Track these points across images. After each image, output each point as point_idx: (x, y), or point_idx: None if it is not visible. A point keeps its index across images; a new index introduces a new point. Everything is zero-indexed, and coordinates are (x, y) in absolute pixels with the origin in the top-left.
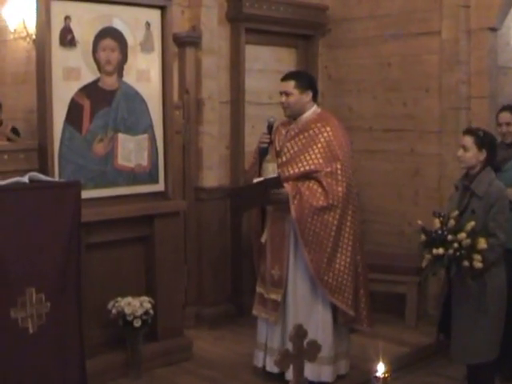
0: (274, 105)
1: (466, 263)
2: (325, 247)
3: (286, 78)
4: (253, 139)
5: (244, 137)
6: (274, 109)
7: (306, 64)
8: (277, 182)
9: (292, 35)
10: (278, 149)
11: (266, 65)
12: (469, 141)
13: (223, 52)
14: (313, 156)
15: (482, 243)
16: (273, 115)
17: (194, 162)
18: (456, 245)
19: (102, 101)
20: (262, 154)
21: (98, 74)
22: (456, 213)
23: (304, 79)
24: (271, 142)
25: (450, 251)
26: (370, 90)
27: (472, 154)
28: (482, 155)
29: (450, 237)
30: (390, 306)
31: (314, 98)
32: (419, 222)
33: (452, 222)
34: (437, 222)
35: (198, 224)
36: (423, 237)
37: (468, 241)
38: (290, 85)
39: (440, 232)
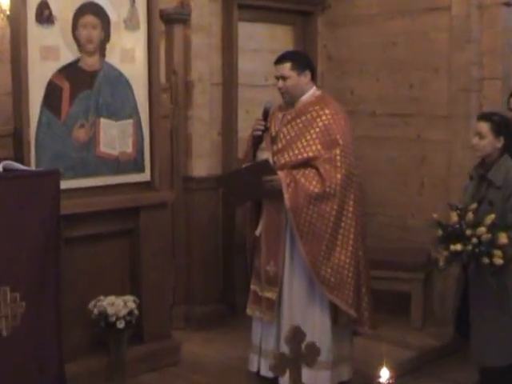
0: (270, 87)
1: (485, 260)
2: (322, 239)
3: (280, 60)
4: (247, 125)
5: (237, 122)
6: (270, 91)
7: (304, 43)
8: (266, 166)
9: (289, 11)
10: (273, 134)
11: (261, 44)
12: (484, 127)
13: (214, 30)
14: (310, 142)
15: (503, 238)
16: (269, 99)
17: (183, 149)
18: (475, 240)
19: (83, 83)
20: (257, 141)
21: (78, 54)
22: (474, 205)
23: (300, 59)
24: (267, 129)
25: (469, 247)
26: (373, 71)
27: (488, 142)
28: (500, 142)
29: (468, 231)
30: (394, 306)
31: (313, 79)
32: (434, 215)
33: (470, 216)
34: (454, 216)
35: (187, 216)
36: (440, 231)
37: (488, 236)
38: (286, 67)
39: (458, 226)
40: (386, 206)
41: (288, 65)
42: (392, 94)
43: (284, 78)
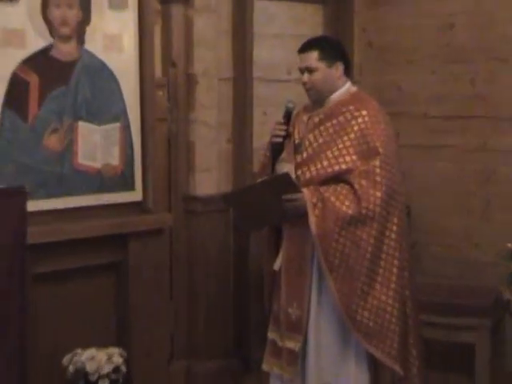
0: (294, 82)
1: None
2: (357, 274)
3: (305, 48)
4: (264, 130)
5: (252, 127)
6: (294, 88)
7: (338, 26)
8: (287, 181)
9: None
10: (297, 142)
11: (283, 28)
12: None
13: (223, 10)
14: (343, 151)
15: None
16: (292, 98)
17: (184, 161)
18: None
19: (56, 77)
20: (277, 151)
21: (49, 40)
22: None
23: (331, 46)
24: (289, 135)
25: None
26: (425, 61)
27: None
28: None
29: None
30: (452, 361)
31: (347, 72)
32: (509, 244)
33: None
34: None
35: (190, 246)
36: None
37: None
38: (313, 57)
39: None
40: (440, 233)
41: (315, 54)
42: (449, 90)
43: (310, 70)
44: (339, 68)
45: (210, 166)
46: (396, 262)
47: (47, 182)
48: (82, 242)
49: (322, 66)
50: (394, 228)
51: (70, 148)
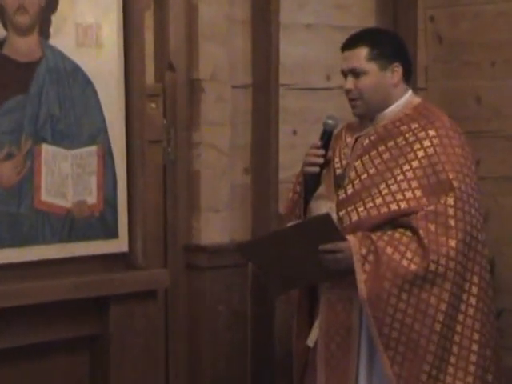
0: (336, 91)
1: None
2: (423, 353)
3: (351, 43)
4: (294, 156)
5: (278, 152)
6: (335, 99)
7: (395, 15)
8: (327, 225)
9: None
10: (338, 172)
11: (320, 16)
12: None
13: None
14: (403, 184)
15: None
16: (333, 113)
17: (185, 198)
18: None
19: (10, 82)
20: (312, 184)
21: (2, 33)
22: None
23: (386, 42)
24: (328, 163)
25: None
26: None
27: None
28: None
29: None
30: None
31: (407, 77)
32: None
33: None
34: None
35: (192, 313)
36: None
37: None
38: (361, 55)
39: None
40: None
41: (364, 52)
42: None
43: (356, 73)
44: (397, 71)
45: (221, 205)
46: (476, 336)
47: None
48: (46, 309)
49: (372, 67)
50: (474, 290)
51: (29, 180)
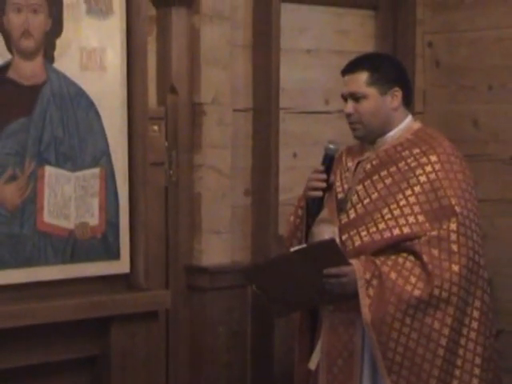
0: (335, 115)
1: None
2: (426, 377)
3: (351, 67)
4: (295, 178)
5: (278, 174)
6: (334, 122)
7: (394, 39)
8: (331, 250)
9: None
10: (340, 197)
11: (321, 41)
12: None
13: (240, 17)
14: (406, 209)
15: None
16: (333, 138)
17: (187, 219)
18: None
19: (15, 105)
20: (314, 208)
21: (6, 56)
22: None
23: (386, 67)
24: (330, 187)
25: None
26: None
27: None
28: None
29: None
30: None
31: (407, 102)
32: None
33: None
34: None
35: (193, 334)
36: None
37: None
38: (361, 80)
39: None
40: None
41: (364, 76)
42: None
43: (356, 97)
44: (397, 96)
45: (222, 227)
46: (478, 360)
47: (0, 248)
48: (48, 330)
49: (372, 92)
50: (476, 314)
51: (32, 202)
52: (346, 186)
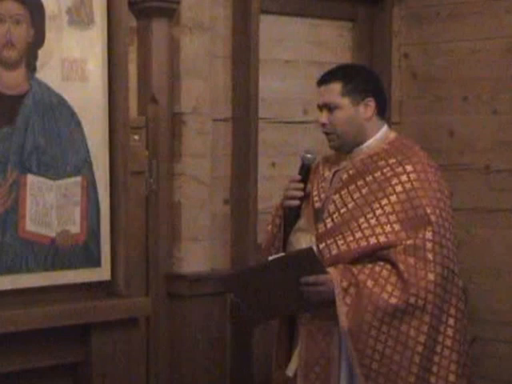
0: (313, 125)
1: None
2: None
3: (325, 78)
4: (273, 187)
5: (257, 183)
6: (312, 132)
7: (371, 51)
8: (308, 258)
9: None
10: (317, 206)
11: (299, 52)
12: None
13: (220, 28)
14: (382, 218)
15: None
16: (311, 147)
17: (167, 228)
18: None
19: None
20: (291, 217)
21: None
22: None
23: (359, 77)
24: (307, 195)
25: None
26: (487, 98)
27: None
28: None
29: None
30: None
31: (382, 112)
32: None
33: None
34: None
35: (173, 341)
36: None
37: None
38: (335, 90)
39: None
40: (509, 326)
41: (337, 87)
42: None
43: (330, 108)
44: (370, 106)
45: (201, 235)
46: (453, 366)
47: None
48: (29, 336)
49: (345, 102)
50: (451, 321)
51: (14, 210)
52: (322, 196)
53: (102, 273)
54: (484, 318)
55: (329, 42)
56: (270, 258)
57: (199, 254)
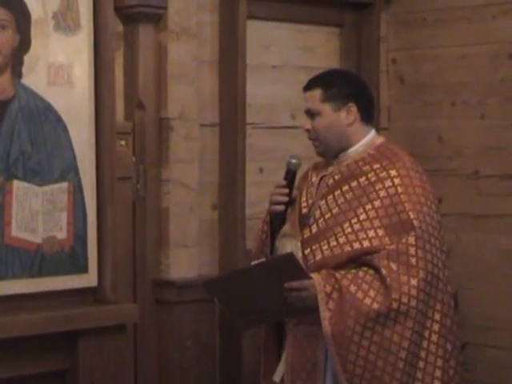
0: (301, 130)
1: None
2: None
3: (309, 84)
4: (261, 193)
5: (245, 189)
6: (301, 137)
7: (359, 56)
8: (291, 264)
9: (333, 4)
10: (304, 212)
11: (286, 57)
12: None
13: (207, 34)
14: (366, 224)
15: None
16: (297, 152)
17: (154, 234)
18: None
19: None
20: (277, 222)
21: None
22: None
23: (340, 83)
24: (293, 201)
25: None
26: (475, 103)
27: None
28: None
29: None
30: None
31: (367, 117)
32: None
33: None
34: None
35: (161, 348)
36: None
37: None
38: (315, 97)
39: None
40: (499, 331)
41: (318, 93)
42: (508, 140)
43: (312, 114)
44: (352, 112)
45: (189, 241)
46: (438, 372)
47: None
48: (16, 343)
49: (326, 108)
50: (436, 327)
51: (0, 216)
52: (310, 202)
53: (89, 279)
54: (474, 323)
55: (316, 47)
56: (253, 262)
57: (187, 260)
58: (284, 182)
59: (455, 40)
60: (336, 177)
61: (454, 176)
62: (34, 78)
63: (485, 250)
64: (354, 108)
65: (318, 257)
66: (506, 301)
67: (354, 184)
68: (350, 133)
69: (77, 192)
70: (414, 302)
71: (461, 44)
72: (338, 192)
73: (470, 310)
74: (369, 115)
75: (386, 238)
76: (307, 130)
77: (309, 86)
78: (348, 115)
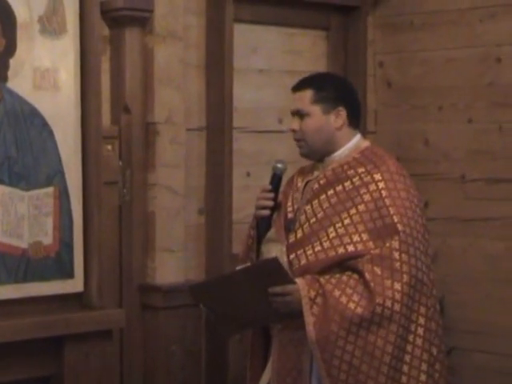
0: (288, 134)
1: None
2: None
3: (299, 84)
4: (248, 197)
5: (232, 193)
6: (287, 141)
7: (346, 60)
8: (276, 269)
9: (320, 7)
10: (290, 216)
11: (273, 61)
12: None
13: (193, 37)
14: (350, 228)
15: None
16: (282, 158)
17: (140, 238)
18: None
19: None
20: (263, 227)
21: None
22: None
23: (331, 86)
24: (278, 206)
25: None
26: (462, 106)
27: None
28: None
29: None
30: None
31: (354, 122)
32: None
33: None
34: None
35: (147, 353)
36: None
37: None
38: (306, 98)
39: None
40: (485, 335)
41: (308, 94)
42: (495, 145)
43: (301, 115)
44: (341, 115)
45: (175, 246)
46: (423, 377)
47: None
48: (1, 349)
49: (316, 110)
50: (421, 331)
51: None
52: (295, 206)
53: (75, 284)
54: (461, 327)
55: (303, 50)
56: (238, 267)
57: (173, 264)
58: (269, 187)
59: (442, 43)
60: (321, 181)
61: (440, 180)
62: (20, 82)
63: (472, 254)
64: (343, 112)
65: (303, 262)
66: (493, 305)
67: (339, 188)
68: (337, 137)
69: (63, 197)
70: (397, 307)
71: (448, 47)
72: (323, 196)
73: (457, 315)
74: (357, 120)
75: (371, 243)
76: (293, 131)
77: (299, 87)
78: (337, 119)
